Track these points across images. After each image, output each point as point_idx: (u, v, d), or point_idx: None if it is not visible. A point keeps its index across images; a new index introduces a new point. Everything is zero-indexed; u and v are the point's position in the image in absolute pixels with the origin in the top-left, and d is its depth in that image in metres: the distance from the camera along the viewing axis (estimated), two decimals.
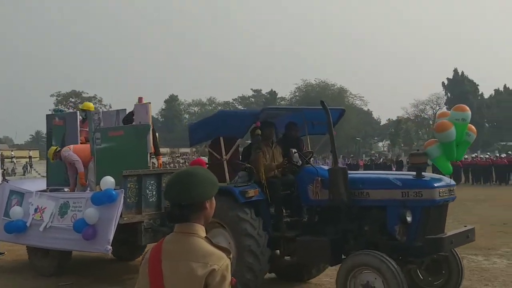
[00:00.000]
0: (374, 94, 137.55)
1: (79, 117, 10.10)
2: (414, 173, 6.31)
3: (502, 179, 31.60)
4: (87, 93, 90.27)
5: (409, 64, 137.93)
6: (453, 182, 6.42)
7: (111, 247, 7.97)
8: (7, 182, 10.25)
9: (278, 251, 7.21)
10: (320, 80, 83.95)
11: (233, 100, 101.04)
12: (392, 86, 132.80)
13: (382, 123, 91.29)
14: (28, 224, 9.07)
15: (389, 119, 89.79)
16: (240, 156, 7.70)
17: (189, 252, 2.20)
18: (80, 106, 10.60)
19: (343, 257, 6.57)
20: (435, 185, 6.09)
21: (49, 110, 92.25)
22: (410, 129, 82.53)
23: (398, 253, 6.16)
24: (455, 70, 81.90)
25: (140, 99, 9.05)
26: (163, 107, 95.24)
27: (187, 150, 53.35)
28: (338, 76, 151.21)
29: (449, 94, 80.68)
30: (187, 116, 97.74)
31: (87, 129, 9.84)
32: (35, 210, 9.09)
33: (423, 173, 6.24)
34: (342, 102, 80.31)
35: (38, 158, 75.43)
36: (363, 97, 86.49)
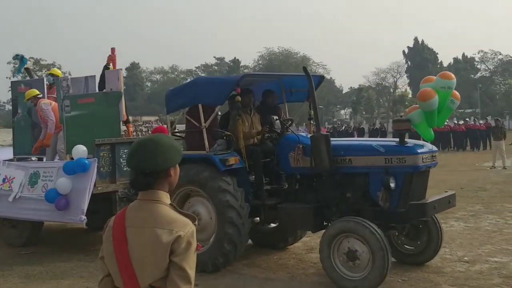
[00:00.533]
0: (336, 62, 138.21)
1: (46, 83, 9.68)
2: (397, 139, 6.26)
3: (459, 146, 32.35)
4: (45, 60, 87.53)
5: (370, 33, 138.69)
6: (435, 148, 6.41)
7: (85, 217, 7.77)
8: None
9: (257, 218, 7.12)
10: (283, 48, 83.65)
11: (196, 68, 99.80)
12: (353, 54, 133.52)
13: (344, 91, 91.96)
14: None
15: (351, 87, 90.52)
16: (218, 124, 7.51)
17: (154, 219, 2.18)
18: (48, 72, 10.14)
19: (325, 224, 6.53)
20: (418, 151, 6.07)
21: (10, 71, 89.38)
22: (371, 97, 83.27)
23: (380, 219, 6.14)
24: (415, 39, 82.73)
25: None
26: (124, 75, 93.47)
27: (150, 118, 52.61)
28: (301, 44, 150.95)
29: (409, 63, 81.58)
30: (149, 84, 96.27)
31: (55, 96, 9.48)
32: (3, 180, 8.77)
33: (406, 139, 6.20)
34: None
35: None
36: (326, 65, 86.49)
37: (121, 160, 8.39)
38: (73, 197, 7.87)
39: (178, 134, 7.92)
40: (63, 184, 7.90)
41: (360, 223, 5.83)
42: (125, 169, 8.41)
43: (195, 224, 2.24)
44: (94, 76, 9.47)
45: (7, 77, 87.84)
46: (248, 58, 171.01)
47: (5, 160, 9.20)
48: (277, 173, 7.20)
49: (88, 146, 8.11)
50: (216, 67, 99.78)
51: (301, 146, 6.64)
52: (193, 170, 6.82)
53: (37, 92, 9.39)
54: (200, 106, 7.00)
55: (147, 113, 64.33)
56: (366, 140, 7.54)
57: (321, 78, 7.95)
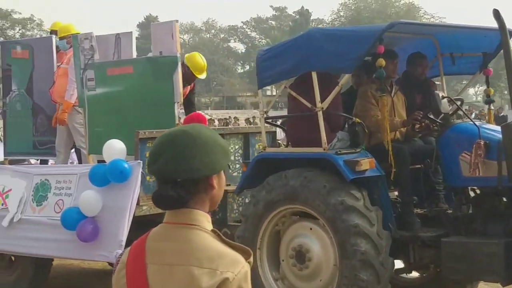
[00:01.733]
0: (459, 12, 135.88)
1: (54, 45, 9.62)
2: None
3: None
4: (20, 13, 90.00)
5: None
6: None
7: None
8: None
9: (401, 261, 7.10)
10: None
11: (243, 23, 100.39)
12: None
13: None
14: None
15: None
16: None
17: (190, 252, 2.22)
18: (51, 27, 10.07)
19: None
20: None
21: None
22: None
23: None
24: None
25: None
26: (137, 35, 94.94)
27: None
28: None
29: None
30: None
31: (68, 65, 9.44)
32: None
33: None
34: None
35: None
36: (444, 17, 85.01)
37: None
38: (105, 221, 7.74)
39: (271, 121, 7.78)
40: (90, 200, 7.78)
41: None
42: None
43: (249, 262, 2.27)
44: (130, 33, 9.33)
45: None
46: (323, 8, 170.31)
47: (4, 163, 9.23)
48: (432, 187, 7.12)
49: (125, 141, 8.00)
50: (273, 22, 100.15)
51: (482, 143, 6.38)
52: (298, 178, 6.71)
53: (77, 30, 9.37)
54: (314, 75, 6.76)
55: None
56: None
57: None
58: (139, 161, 7.89)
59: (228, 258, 2.22)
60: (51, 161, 9.95)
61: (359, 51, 6.69)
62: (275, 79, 7.38)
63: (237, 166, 8.72)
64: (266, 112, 7.41)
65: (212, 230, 2.31)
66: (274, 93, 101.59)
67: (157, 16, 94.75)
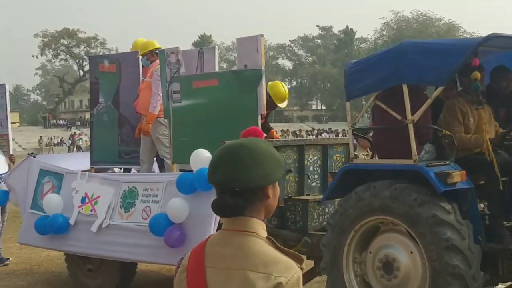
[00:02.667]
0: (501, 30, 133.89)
1: (140, 59, 9.47)
2: None
3: None
4: (84, 32, 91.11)
5: None
6: None
7: None
8: (34, 157, 9.78)
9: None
10: (419, 12, 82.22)
11: (291, 41, 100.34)
12: None
13: None
14: (72, 221, 8.67)
15: None
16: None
17: (245, 258, 2.25)
18: (132, 48, 9.90)
19: None
20: None
21: (38, 46, 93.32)
22: None
23: None
24: None
25: None
26: None
27: None
28: (445, 6, 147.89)
29: None
30: (225, 65, 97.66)
31: (151, 79, 9.29)
32: (83, 200, 8.69)
33: None
34: None
35: (18, 124, 76.99)
36: None
37: None
38: (191, 228, 7.58)
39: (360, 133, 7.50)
40: (177, 207, 7.61)
41: None
42: None
43: (301, 267, 2.30)
44: (213, 49, 9.15)
45: (33, 56, 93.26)
46: (366, 27, 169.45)
47: (84, 171, 9.08)
48: None
49: (209, 151, 7.79)
50: (319, 41, 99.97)
51: None
52: (388, 189, 6.37)
53: (157, 44, 9.31)
54: (405, 88, 6.46)
55: None
56: None
57: None
58: None
59: (282, 264, 2.25)
60: (133, 170, 9.80)
61: (454, 64, 6.36)
62: (363, 92, 7.08)
63: (316, 176, 8.43)
64: (354, 124, 7.10)
65: (266, 237, 2.34)
66: (319, 108, 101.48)
67: (211, 35, 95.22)
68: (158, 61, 9.06)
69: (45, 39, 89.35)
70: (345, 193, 6.81)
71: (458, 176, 6.25)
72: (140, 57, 9.40)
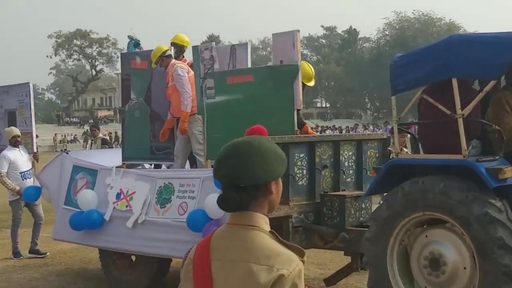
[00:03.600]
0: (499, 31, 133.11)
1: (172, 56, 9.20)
2: None
3: None
4: (97, 33, 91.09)
5: None
6: None
7: None
8: (66, 153, 9.50)
9: None
10: (421, 12, 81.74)
11: None
12: None
13: None
14: (107, 217, 8.40)
15: None
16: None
17: (249, 251, 2.28)
18: (172, 40, 9.62)
19: None
20: None
21: (52, 47, 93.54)
22: None
23: None
24: None
25: None
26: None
27: None
28: (447, 6, 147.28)
29: None
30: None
31: (174, 81, 9.02)
32: (118, 195, 8.43)
33: None
34: None
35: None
36: None
37: (295, 169, 7.71)
38: None
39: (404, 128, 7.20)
40: (215, 203, 7.28)
41: None
42: (300, 183, 7.74)
43: (302, 260, 2.33)
44: (245, 44, 8.89)
45: (47, 56, 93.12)
46: (369, 27, 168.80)
47: (119, 167, 8.81)
48: None
49: None
50: (323, 40, 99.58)
51: None
52: (437, 185, 6.06)
53: (164, 47, 9.05)
54: (454, 82, 6.15)
55: None
56: None
57: None
58: None
59: (284, 257, 2.28)
60: (163, 166, 9.53)
61: (506, 57, 6.04)
62: (410, 86, 6.72)
63: (350, 172, 8.14)
64: (400, 119, 6.78)
65: (270, 231, 2.36)
66: (324, 105, 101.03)
67: (219, 36, 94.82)
68: (172, 61, 8.94)
69: (59, 40, 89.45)
70: (389, 188, 6.52)
71: (509, 172, 5.96)
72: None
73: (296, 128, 7.78)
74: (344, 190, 7.96)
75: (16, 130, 11.03)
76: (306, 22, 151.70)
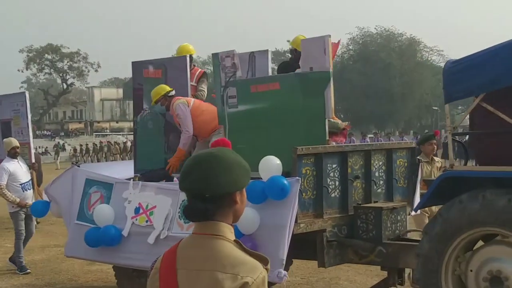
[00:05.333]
0: (456, 46, 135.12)
1: (188, 64, 8.56)
2: None
3: None
4: (68, 48, 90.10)
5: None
6: None
7: (286, 272, 6.51)
8: (78, 166, 8.78)
9: None
10: (383, 28, 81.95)
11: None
12: (478, 35, 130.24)
13: None
14: (125, 233, 7.74)
15: None
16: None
17: (214, 259, 2.30)
18: (184, 52, 8.96)
19: None
20: None
21: (23, 61, 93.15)
22: None
23: None
24: None
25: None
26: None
27: None
28: (407, 23, 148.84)
29: None
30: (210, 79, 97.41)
31: (196, 83, 8.47)
32: (136, 210, 7.76)
33: None
34: (412, 57, 78.97)
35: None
36: (442, 51, 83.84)
37: (328, 180, 7.15)
38: (263, 239, 6.70)
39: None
40: (247, 218, 6.67)
41: None
42: (332, 195, 7.20)
43: (266, 268, 2.36)
44: (266, 52, 8.33)
45: (19, 70, 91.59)
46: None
47: (135, 180, 8.16)
48: None
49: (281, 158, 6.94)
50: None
51: None
52: (501, 199, 5.49)
53: (168, 88, 8.35)
54: None
55: None
56: None
57: None
58: (297, 177, 6.80)
59: (248, 265, 2.29)
60: (175, 179, 8.88)
61: None
62: (468, 93, 6.13)
63: (381, 182, 7.60)
64: (454, 128, 6.22)
65: (234, 240, 2.38)
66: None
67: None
68: (174, 99, 8.20)
69: (30, 54, 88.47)
70: (440, 201, 5.97)
71: None
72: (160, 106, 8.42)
73: (327, 138, 7.25)
74: (376, 201, 7.43)
75: (15, 141, 10.50)
76: (274, 36, 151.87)
